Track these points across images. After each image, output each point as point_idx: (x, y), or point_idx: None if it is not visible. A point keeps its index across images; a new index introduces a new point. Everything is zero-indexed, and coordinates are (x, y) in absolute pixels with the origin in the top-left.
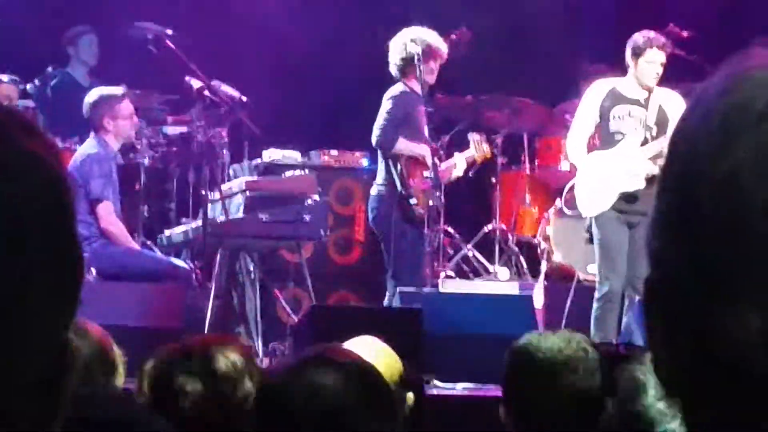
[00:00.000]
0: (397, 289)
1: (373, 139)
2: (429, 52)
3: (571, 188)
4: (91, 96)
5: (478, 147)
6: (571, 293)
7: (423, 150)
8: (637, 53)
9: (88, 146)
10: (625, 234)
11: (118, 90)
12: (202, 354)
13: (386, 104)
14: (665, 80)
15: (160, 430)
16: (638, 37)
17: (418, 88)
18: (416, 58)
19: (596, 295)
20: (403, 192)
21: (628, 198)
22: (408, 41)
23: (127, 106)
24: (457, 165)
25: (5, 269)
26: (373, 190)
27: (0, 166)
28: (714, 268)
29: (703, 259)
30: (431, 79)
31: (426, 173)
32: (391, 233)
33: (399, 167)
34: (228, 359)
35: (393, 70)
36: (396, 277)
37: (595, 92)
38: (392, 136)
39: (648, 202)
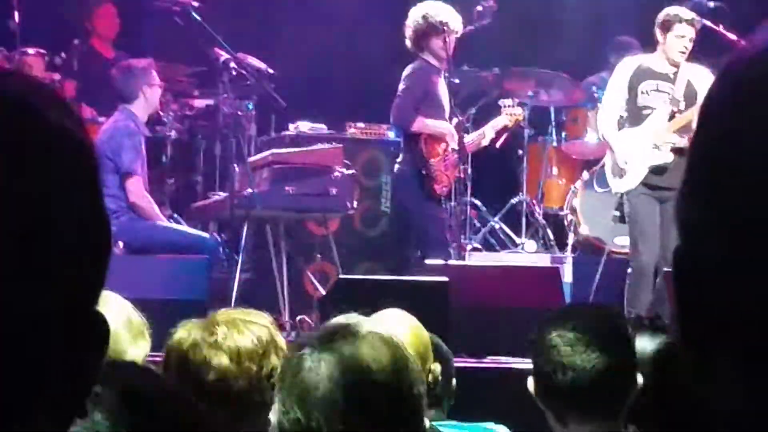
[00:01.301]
0: (424, 262)
1: (392, 119)
2: (441, 27)
3: (603, 165)
4: (124, 66)
5: (509, 111)
6: (601, 266)
7: (444, 127)
8: (666, 27)
9: (118, 119)
10: (655, 208)
11: (146, 61)
12: (228, 327)
13: (404, 82)
14: (693, 52)
15: (185, 401)
16: (667, 11)
17: (436, 61)
18: (439, 30)
19: (629, 270)
20: (423, 171)
21: (657, 171)
22: (421, 16)
23: (156, 75)
24: (486, 134)
25: (34, 244)
26: (396, 167)
27: (27, 140)
28: (744, 239)
29: (732, 230)
30: (443, 53)
31: (451, 145)
32: (412, 210)
33: (419, 146)
34: (253, 333)
35: (410, 45)
36: (419, 253)
37: (623, 69)
38: (410, 115)
39: (676, 176)
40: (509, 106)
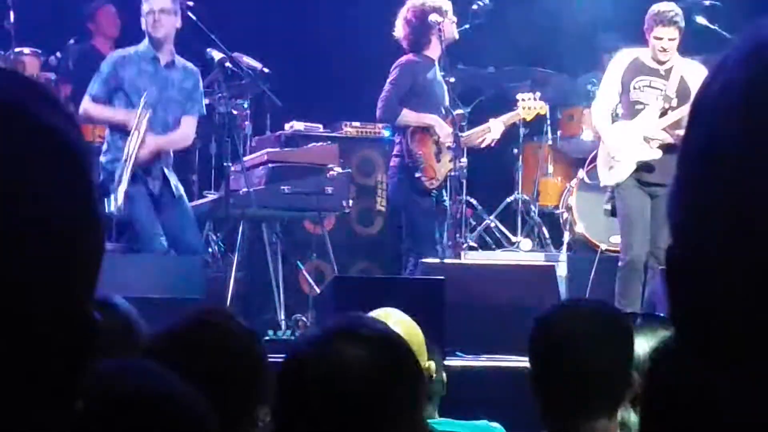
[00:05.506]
0: (420, 260)
1: (377, 112)
2: (436, 9)
3: (594, 158)
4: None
5: (529, 105)
6: (594, 264)
7: (432, 120)
8: (648, 28)
9: None
10: (646, 203)
11: None
12: (213, 327)
13: (391, 75)
14: (687, 49)
15: (196, 400)
16: (650, 12)
17: (431, 51)
18: (435, 12)
19: (619, 264)
20: (410, 164)
21: (646, 168)
22: (405, 17)
23: None
24: (493, 129)
25: (25, 244)
26: (391, 162)
27: (20, 141)
28: (733, 238)
29: (722, 229)
30: (438, 36)
31: (441, 137)
32: (403, 205)
33: (406, 139)
34: (236, 333)
35: (404, 41)
36: (412, 248)
37: (618, 62)
38: (395, 109)
39: (665, 172)
40: (528, 99)
